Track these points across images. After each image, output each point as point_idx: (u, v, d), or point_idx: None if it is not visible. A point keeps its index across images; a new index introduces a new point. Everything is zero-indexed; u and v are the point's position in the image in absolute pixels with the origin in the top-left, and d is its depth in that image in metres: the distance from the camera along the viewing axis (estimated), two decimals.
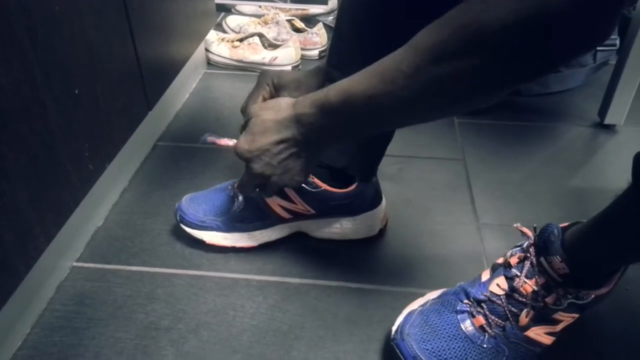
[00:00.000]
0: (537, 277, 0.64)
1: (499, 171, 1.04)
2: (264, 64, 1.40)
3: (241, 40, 1.42)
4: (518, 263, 0.66)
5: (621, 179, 0.60)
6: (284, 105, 0.63)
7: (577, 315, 0.66)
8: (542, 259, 0.64)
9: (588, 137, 1.16)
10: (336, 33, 0.75)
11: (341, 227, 0.85)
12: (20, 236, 0.63)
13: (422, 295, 0.73)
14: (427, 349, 0.64)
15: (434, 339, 0.65)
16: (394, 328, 0.68)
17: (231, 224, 0.83)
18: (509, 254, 0.68)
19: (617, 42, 1.26)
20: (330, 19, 1.66)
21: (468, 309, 0.66)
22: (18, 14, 0.59)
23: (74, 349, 0.69)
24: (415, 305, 0.71)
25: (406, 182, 1.01)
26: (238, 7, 1.74)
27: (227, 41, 1.42)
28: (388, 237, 0.88)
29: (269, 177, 0.65)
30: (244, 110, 0.72)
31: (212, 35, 1.42)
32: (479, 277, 0.70)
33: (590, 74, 1.31)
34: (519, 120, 1.21)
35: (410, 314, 0.68)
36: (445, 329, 0.65)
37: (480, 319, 0.65)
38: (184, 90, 1.27)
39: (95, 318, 0.73)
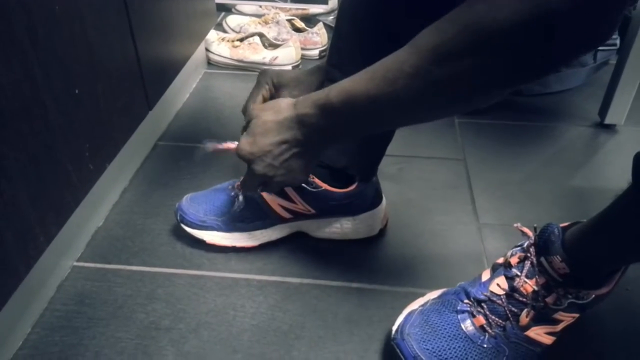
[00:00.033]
0: (537, 277, 0.64)
1: (500, 171, 1.04)
2: (264, 64, 1.40)
3: (241, 40, 1.42)
4: (518, 263, 0.66)
5: (621, 179, 0.60)
6: (285, 106, 0.63)
7: (577, 315, 0.65)
8: (542, 259, 0.64)
9: (588, 137, 1.16)
10: (336, 32, 0.74)
11: (341, 227, 0.85)
12: (20, 236, 0.63)
13: (423, 295, 0.73)
14: (428, 349, 0.64)
15: (434, 339, 0.65)
16: (394, 328, 0.68)
17: (231, 223, 0.83)
18: (509, 253, 0.68)
19: (618, 41, 1.26)
20: (331, 18, 1.66)
21: (468, 308, 0.66)
22: (18, 13, 0.59)
23: (74, 348, 0.69)
24: (415, 305, 0.71)
25: (406, 182, 1.01)
26: (238, 7, 1.74)
27: (228, 41, 1.42)
28: (388, 237, 0.88)
29: (272, 177, 0.66)
30: (245, 111, 0.72)
31: (213, 35, 1.42)
32: (479, 277, 0.70)
33: (590, 74, 1.31)
34: (520, 120, 1.21)
35: (411, 314, 0.68)
36: (445, 328, 0.65)
37: (481, 319, 0.65)
38: (184, 90, 1.28)
39: (95, 318, 0.74)
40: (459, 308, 0.67)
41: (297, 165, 0.65)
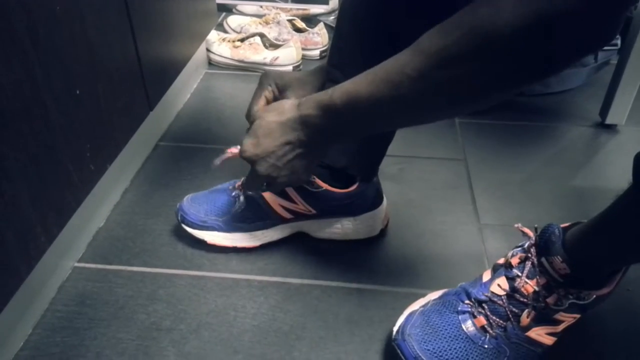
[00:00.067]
0: (538, 277, 0.64)
1: (500, 171, 1.04)
2: (265, 64, 1.40)
3: (242, 40, 1.42)
4: (519, 263, 0.66)
5: (622, 179, 0.60)
6: (288, 107, 0.63)
7: (578, 316, 0.65)
8: (543, 259, 0.64)
9: (589, 137, 1.16)
10: (337, 33, 0.75)
11: (342, 228, 0.85)
12: (21, 236, 0.63)
13: (423, 295, 0.73)
14: (429, 350, 0.64)
15: (435, 340, 0.65)
16: (395, 328, 0.68)
17: (232, 224, 0.83)
18: (510, 254, 0.68)
19: (619, 41, 1.25)
20: (331, 18, 1.66)
21: (469, 309, 0.66)
22: (19, 13, 0.59)
23: (75, 349, 0.70)
24: (416, 305, 0.71)
25: (407, 182, 1.01)
26: (239, 7, 1.74)
27: (228, 41, 1.42)
28: (389, 238, 0.88)
29: (276, 178, 0.66)
30: (249, 116, 0.72)
31: (213, 35, 1.42)
32: (480, 277, 0.70)
33: (591, 74, 1.31)
34: (520, 120, 1.21)
35: (412, 315, 0.68)
36: (446, 329, 0.65)
37: (482, 320, 0.65)
38: (185, 90, 1.28)
39: (96, 318, 0.74)
40: (459, 309, 0.67)
41: (300, 165, 0.65)
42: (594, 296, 0.64)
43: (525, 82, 0.50)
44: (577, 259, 0.62)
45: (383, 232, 0.88)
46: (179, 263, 0.83)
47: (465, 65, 0.47)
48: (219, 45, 1.41)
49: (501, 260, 0.69)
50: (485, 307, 0.66)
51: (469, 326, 0.65)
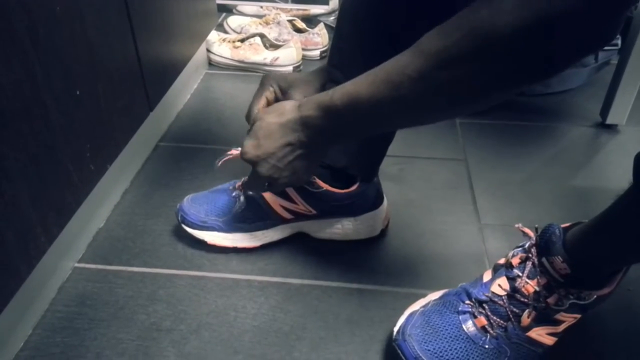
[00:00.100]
0: (538, 277, 0.64)
1: (501, 171, 1.04)
2: (265, 65, 1.40)
3: (242, 40, 1.42)
4: (520, 263, 0.66)
5: (623, 179, 0.60)
6: (289, 108, 0.63)
7: (579, 316, 0.65)
8: (543, 260, 0.64)
9: (590, 137, 1.16)
10: (337, 33, 0.74)
11: (342, 228, 0.85)
12: (21, 237, 0.63)
13: (424, 295, 0.73)
14: (429, 350, 0.64)
15: (435, 340, 0.64)
16: (395, 329, 0.68)
17: (233, 224, 0.82)
18: (510, 254, 0.68)
19: (619, 41, 1.25)
20: (332, 19, 1.66)
21: (470, 309, 0.66)
22: (19, 13, 0.59)
23: (75, 349, 0.69)
24: (416, 306, 0.71)
25: (408, 183, 1.01)
26: (239, 8, 1.74)
27: (229, 41, 1.42)
28: (389, 238, 0.88)
29: (277, 179, 0.66)
30: (249, 117, 0.72)
31: (214, 36, 1.42)
32: (481, 277, 0.70)
33: (592, 74, 1.31)
34: (521, 120, 1.21)
35: (412, 315, 0.68)
36: (447, 329, 0.65)
37: (482, 320, 0.65)
38: (185, 90, 1.28)
39: (96, 319, 0.73)
40: (460, 309, 0.67)
41: (301, 166, 0.65)
42: (595, 296, 0.64)
43: (526, 82, 0.50)
44: (577, 259, 0.62)
45: (383, 233, 0.88)
46: (179, 263, 0.83)
47: (466, 66, 0.47)
48: (219, 45, 1.41)
49: (502, 261, 0.69)
50: (486, 307, 0.66)
51: (469, 326, 0.65)
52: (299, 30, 1.52)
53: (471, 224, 0.91)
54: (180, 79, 1.16)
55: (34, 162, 0.64)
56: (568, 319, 0.65)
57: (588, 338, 0.73)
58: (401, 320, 0.69)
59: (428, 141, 1.12)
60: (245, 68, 1.42)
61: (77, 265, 0.82)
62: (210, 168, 1.02)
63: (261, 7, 1.69)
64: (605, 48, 1.25)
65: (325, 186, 0.79)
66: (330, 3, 1.69)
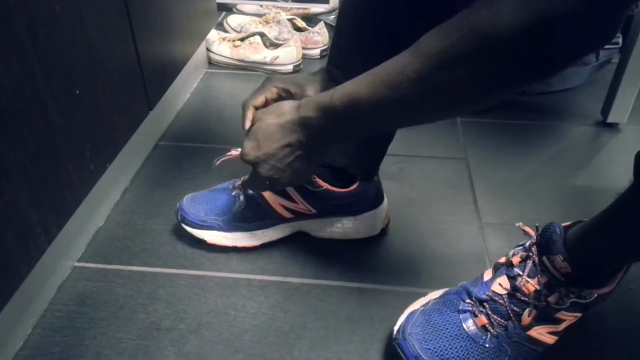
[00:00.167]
0: (539, 276, 0.64)
1: (502, 170, 1.04)
2: (265, 64, 1.40)
3: (242, 39, 1.42)
4: (520, 262, 0.66)
5: (624, 178, 0.60)
6: (288, 109, 0.63)
7: (580, 315, 0.65)
8: (544, 259, 0.64)
9: (591, 136, 1.16)
10: (337, 32, 0.74)
11: (343, 227, 0.85)
12: (21, 236, 0.63)
13: (424, 295, 0.73)
14: (430, 349, 0.64)
15: (436, 339, 0.64)
16: (396, 328, 0.68)
17: (233, 223, 0.82)
18: (511, 253, 0.68)
19: (620, 40, 1.25)
20: (332, 18, 1.66)
21: (470, 308, 0.66)
22: (19, 13, 0.59)
23: (75, 349, 0.69)
24: (417, 305, 0.71)
25: (408, 182, 1.01)
26: (239, 7, 1.74)
27: (229, 41, 1.42)
28: (390, 237, 0.88)
29: (278, 179, 0.66)
30: (245, 105, 0.72)
31: (214, 35, 1.42)
32: (482, 276, 0.70)
33: (593, 73, 1.31)
34: (522, 120, 1.21)
35: (413, 314, 0.68)
36: (447, 328, 0.65)
37: (483, 319, 0.65)
38: (185, 90, 1.27)
39: (96, 318, 0.73)
40: (461, 308, 0.67)
41: (301, 166, 0.65)
42: (596, 295, 0.64)
43: (526, 82, 0.50)
44: (578, 258, 0.62)
45: (384, 232, 0.88)
46: (179, 263, 0.82)
47: (466, 67, 0.47)
48: (219, 44, 1.41)
49: (502, 260, 0.69)
50: (487, 306, 0.65)
51: (470, 325, 0.65)
52: (299, 29, 1.52)
53: (472, 223, 0.91)
54: (180, 78, 1.16)
55: (34, 162, 0.64)
56: (569, 318, 0.65)
57: (589, 337, 0.72)
58: (402, 320, 0.69)
59: (429, 140, 1.12)
60: (245, 67, 1.41)
61: (77, 264, 0.82)
62: (210, 167, 1.01)
63: (261, 6, 1.69)
64: (607, 47, 1.25)
65: (326, 185, 0.79)
66: (331, 2, 1.69)
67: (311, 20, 1.66)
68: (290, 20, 1.52)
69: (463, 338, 0.64)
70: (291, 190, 0.80)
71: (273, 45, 1.43)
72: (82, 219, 0.82)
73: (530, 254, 0.65)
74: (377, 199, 0.84)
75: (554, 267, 0.63)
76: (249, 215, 0.82)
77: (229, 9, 1.74)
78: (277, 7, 1.65)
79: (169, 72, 1.08)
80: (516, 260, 0.66)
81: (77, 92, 0.72)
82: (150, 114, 0.98)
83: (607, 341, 0.73)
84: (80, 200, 0.76)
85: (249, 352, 0.70)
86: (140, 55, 0.91)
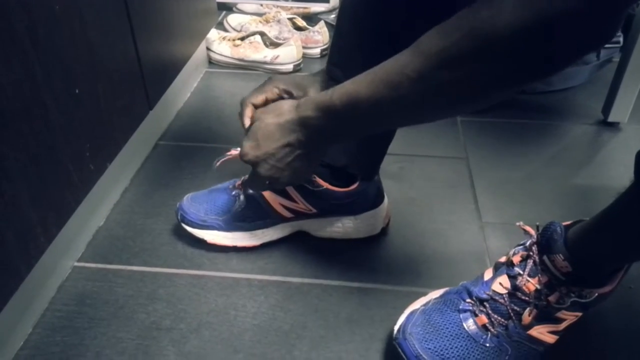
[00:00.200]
0: (540, 275, 0.64)
1: (502, 169, 1.04)
2: (265, 63, 1.39)
3: (242, 38, 1.42)
4: (521, 262, 0.66)
5: (624, 177, 0.60)
6: (287, 108, 0.63)
7: (580, 314, 0.65)
8: (544, 258, 0.64)
9: (591, 135, 1.16)
10: (337, 31, 0.74)
11: (343, 226, 0.84)
12: (21, 236, 0.63)
13: (425, 294, 0.73)
14: (430, 348, 0.63)
15: (436, 338, 0.64)
16: (396, 327, 0.68)
17: (233, 223, 0.82)
18: (511, 252, 0.68)
19: (621, 39, 1.25)
20: (332, 17, 1.66)
21: (471, 307, 0.66)
22: (19, 13, 0.59)
23: (75, 348, 0.69)
24: (417, 304, 0.71)
25: (408, 181, 1.01)
26: (239, 6, 1.73)
27: (229, 40, 1.42)
28: (390, 236, 0.88)
29: (278, 178, 0.66)
30: (243, 102, 0.72)
31: (214, 34, 1.42)
32: (482, 275, 0.69)
33: (593, 72, 1.31)
34: (522, 118, 1.21)
35: (413, 313, 0.68)
36: (447, 328, 0.65)
37: (483, 318, 0.65)
38: (185, 89, 1.27)
39: (96, 318, 0.73)
40: (461, 307, 0.67)
41: (301, 165, 0.65)
42: (596, 294, 0.63)
43: (526, 81, 0.50)
44: (579, 257, 0.62)
45: (384, 231, 0.88)
46: (179, 262, 0.82)
47: (466, 66, 0.47)
48: (219, 44, 1.41)
49: (503, 259, 0.69)
50: (487, 305, 0.65)
51: (470, 325, 0.65)
52: (299, 29, 1.52)
53: (472, 222, 0.91)
54: (180, 77, 1.16)
55: (34, 162, 0.64)
56: (569, 317, 0.65)
57: (589, 336, 0.72)
58: (402, 319, 0.68)
59: (429, 139, 1.12)
60: (245, 66, 1.41)
61: (76, 264, 0.82)
62: (210, 167, 1.01)
63: (261, 5, 1.69)
64: (607, 46, 1.25)
65: (326, 185, 0.79)
66: (331, 1, 1.69)
67: (311, 19, 1.66)
68: (290, 19, 1.52)
69: (463, 337, 0.64)
70: (291, 190, 0.79)
71: (273, 44, 1.43)
72: (82, 219, 0.82)
73: (531, 253, 0.65)
74: (377, 198, 0.84)
75: (554, 266, 0.63)
76: (249, 214, 0.82)
77: (228, 8, 1.73)
78: (277, 6, 1.65)
79: (168, 71, 1.08)
80: (516, 259, 0.66)
81: (77, 91, 0.72)
82: (150, 114, 0.98)
83: (608, 340, 0.73)
84: (80, 200, 0.76)
85: (249, 351, 0.70)
86: (140, 54, 0.91)
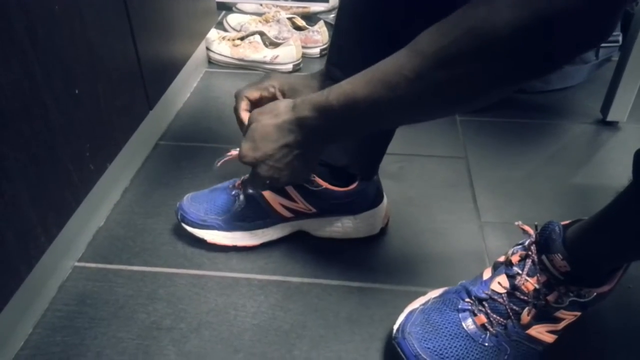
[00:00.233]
0: (538, 275, 0.64)
1: (501, 169, 1.04)
2: (265, 63, 1.39)
3: (242, 38, 1.42)
4: (519, 261, 0.66)
5: (623, 176, 0.60)
6: (283, 109, 0.63)
7: (579, 314, 0.65)
8: (543, 257, 0.64)
9: (590, 134, 1.16)
10: (336, 29, 0.74)
11: (342, 226, 0.85)
12: (21, 236, 0.63)
13: (424, 293, 0.73)
14: (429, 348, 0.64)
15: (435, 338, 0.64)
16: (395, 327, 0.68)
17: (232, 222, 0.83)
18: (510, 252, 0.68)
19: (620, 38, 1.25)
20: (331, 16, 1.66)
21: (469, 307, 0.66)
22: (18, 13, 0.59)
23: (76, 348, 0.70)
24: (416, 304, 0.71)
25: (408, 181, 1.01)
26: (239, 6, 1.73)
27: (228, 40, 1.42)
28: (389, 236, 0.88)
29: (277, 178, 0.66)
30: (238, 95, 0.72)
31: (213, 34, 1.42)
32: (481, 275, 0.70)
33: (592, 71, 1.31)
34: (521, 118, 1.21)
35: (412, 313, 0.68)
36: (446, 327, 0.65)
37: (482, 318, 0.65)
38: (185, 89, 1.27)
39: (97, 318, 0.74)
40: (460, 307, 0.67)
41: (300, 165, 0.65)
42: (595, 294, 0.64)
43: (525, 80, 0.50)
44: (577, 257, 0.62)
45: (383, 231, 0.88)
46: (179, 262, 0.83)
47: (464, 65, 0.47)
48: (218, 43, 1.41)
49: (502, 258, 0.69)
50: (486, 305, 0.66)
51: (469, 324, 0.65)
52: (298, 28, 1.52)
53: (471, 221, 0.91)
54: (180, 77, 1.16)
55: (34, 162, 0.64)
56: (568, 317, 0.65)
57: (588, 336, 0.73)
58: (401, 318, 0.69)
59: (428, 139, 1.12)
60: (245, 66, 1.41)
61: (77, 264, 0.82)
62: (210, 167, 1.01)
63: (261, 4, 1.69)
64: (606, 45, 1.26)
65: (325, 184, 0.79)
66: (330, 0, 1.69)
67: (311, 18, 1.66)
68: (289, 18, 1.52)
69: (462, 337, 0.65)
70: (291, 189, 0.80)
71: (272, 44, 1.43)
72: (82, 219, 0.82)
73: (529, 253, 0.65)
74: (376, 198, 0.84)
75: (553, 265, 0.63)
76: (249, 214, 0.82)
77: (228, 8, 1.73)
78: (277, 6, 1.65)
79: (168, 71, 1.08)
80: (515, 258, 0.66)
81: (77, 91, 0.72)
82: (150, 114, 0.98)
83: (606, 340, 0.73)
84: (80, 200, 0.76)
85: (249, 351, 0.70)
86: (140, 54, 0.91)
